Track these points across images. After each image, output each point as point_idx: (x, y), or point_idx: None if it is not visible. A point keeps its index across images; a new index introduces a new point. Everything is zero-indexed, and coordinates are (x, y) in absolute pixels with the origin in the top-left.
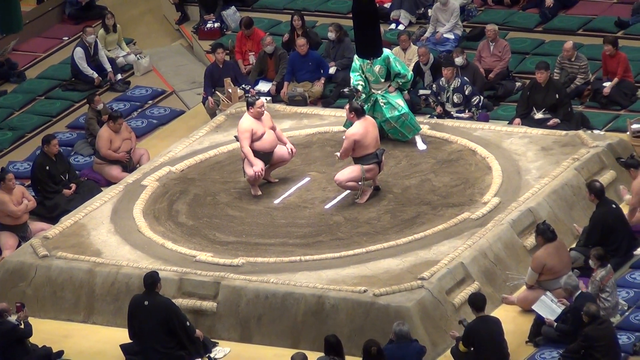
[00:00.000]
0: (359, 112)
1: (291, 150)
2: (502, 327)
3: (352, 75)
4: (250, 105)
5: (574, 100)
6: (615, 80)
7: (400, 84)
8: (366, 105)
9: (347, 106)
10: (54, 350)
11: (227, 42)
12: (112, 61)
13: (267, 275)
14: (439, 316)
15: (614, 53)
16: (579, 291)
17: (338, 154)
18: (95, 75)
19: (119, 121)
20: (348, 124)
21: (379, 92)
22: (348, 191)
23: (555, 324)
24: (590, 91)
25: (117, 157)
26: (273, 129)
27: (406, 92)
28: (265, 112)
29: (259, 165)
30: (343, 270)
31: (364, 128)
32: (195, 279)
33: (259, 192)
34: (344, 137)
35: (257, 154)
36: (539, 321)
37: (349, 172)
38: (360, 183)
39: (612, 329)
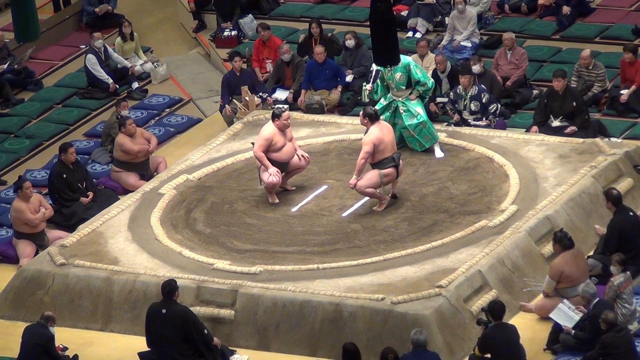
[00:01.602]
0: (372, 117)
1: (303, 156)
2: (519, 335)
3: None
4: (276, 117)
5: (591, 107)
6: (633, 87)
7: (421, 92)
8: (387, 113)
9: (362, 112)
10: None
11: (244, 50)
12: (126, 69)
13: (284, 283)
14: (456, 324)
15: (633, 61)
16: (597, 299)
17: (351, 182)
18: (111, 81)
19: (128, 122)
20: None
21: (400, 99)
22: (366, 199)
23: (573, 331)
24: (608, 99)
25: (142, 150)
26: (291, 139)
27: (427, 99)
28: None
29: (273, 169)
30: (361, 278)
31: (380, 132)
32: (213, 286)
33: (276, 200)
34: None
35: (274, 163)
36: (557, 329)
37: (368, 178)
38: (379, 190)
39: (630, 336)
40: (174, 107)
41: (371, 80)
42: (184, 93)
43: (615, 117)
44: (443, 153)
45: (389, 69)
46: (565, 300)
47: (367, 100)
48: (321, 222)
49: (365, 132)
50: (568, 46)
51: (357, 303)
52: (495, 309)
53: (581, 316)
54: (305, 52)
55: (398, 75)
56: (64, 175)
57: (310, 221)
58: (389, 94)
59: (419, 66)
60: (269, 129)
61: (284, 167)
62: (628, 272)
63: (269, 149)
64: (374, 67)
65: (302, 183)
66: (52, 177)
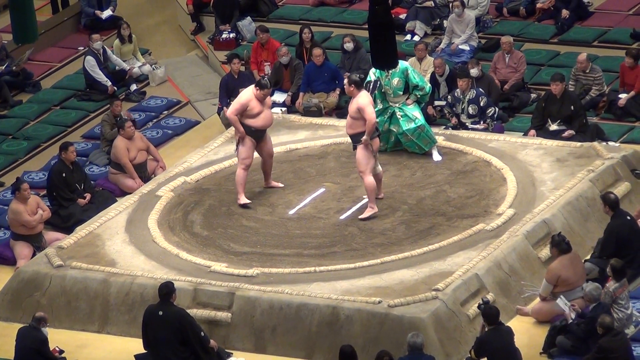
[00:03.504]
0: (358, 84)
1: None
2: (514, 334)
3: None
4: (260, 87)
5: (589, 111)
6: (632, 93)
7: (419, 96)
8: (382, 117)
9: (347, 79)
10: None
11: (242, 52)
12: (124, 72)
13: (281, 285)
14: (453, 327)
15: (633, 66)
16: (597, 302)
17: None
18: (109, 83)
19: (127, 125)
20: None
21: (397, 105)
22: (363, 202)
23: (570, 320)
24: (606, 103)
25: (134, 175)
26: (269, 107)
27: (424, 103)
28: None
29: (248, 141)
30: (357, 281)
31: (370, 99)
32: (210, 289)
33: (247, 200)
34: (361, 140)
35: (250, 129)
36: (553, 333)
37: (364, 160)
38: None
39: (627, 340)
40: (172, 110)
41: (370, 90)
42: (182, 95)
43: (613, 121)
44: (441, 156)
45: (387, 74)
46: (561, 297)
47: None
48: (318, 225)
49: (350, 101)
50: (566, 50)
51: (353, 306)
52: (491, 314)
53: (575, 315)
54: (301, 59)
55: (396, 80)
56: (63, 174)
57: (307, 224)
58: (384, 101)
59: (416, 71)
60: (247, 95)
61: (259, 134)
62: (624, 279)
63: (244, 114)
64: (372, 76)
65: (299, 186)
66: (51, 175)
